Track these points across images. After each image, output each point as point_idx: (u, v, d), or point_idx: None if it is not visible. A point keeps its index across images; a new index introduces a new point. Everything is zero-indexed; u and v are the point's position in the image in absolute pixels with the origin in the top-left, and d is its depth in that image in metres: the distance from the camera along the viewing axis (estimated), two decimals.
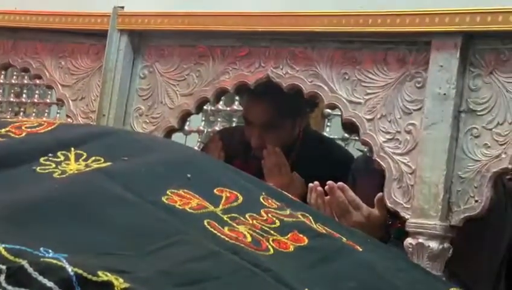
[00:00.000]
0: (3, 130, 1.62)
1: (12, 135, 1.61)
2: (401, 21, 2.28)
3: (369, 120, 2.33)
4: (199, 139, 4.26)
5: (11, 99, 5.41)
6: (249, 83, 2.58)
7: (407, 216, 2.22)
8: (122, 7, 2.80)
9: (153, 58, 2.77)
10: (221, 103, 4.18)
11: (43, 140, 1.59)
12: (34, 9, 3.01)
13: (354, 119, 2.37)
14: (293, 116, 2.92)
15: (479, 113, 2.19)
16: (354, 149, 3.49)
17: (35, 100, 5.28)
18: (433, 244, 2.17)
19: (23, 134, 1.62)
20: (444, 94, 2.20)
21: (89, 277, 1.09)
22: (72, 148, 1.54)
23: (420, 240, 2.17)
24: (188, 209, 1.40)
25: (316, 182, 2.46)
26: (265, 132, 2.88)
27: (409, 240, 2.19)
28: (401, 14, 2.28)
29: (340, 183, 2.45)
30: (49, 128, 1.66)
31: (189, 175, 1.50)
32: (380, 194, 2.32)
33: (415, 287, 1.41)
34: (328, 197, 2.44)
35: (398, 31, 2.30)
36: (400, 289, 1.36)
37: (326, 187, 2.43)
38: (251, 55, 2.58)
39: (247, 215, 1.44)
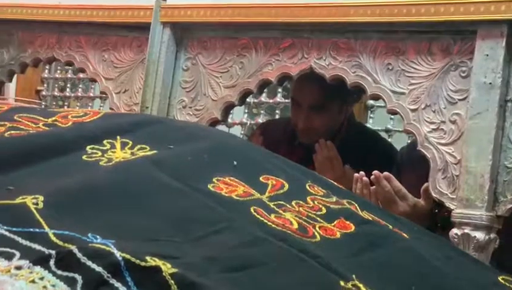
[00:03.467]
0: (50, 119, 1.64)
1: (59, 124, 1.62)
2: (446, 10, 2.26)
3: (413, 110, 2.31)
4: (242, 132, 4.27)
5: (55, 93, 5.49)
6: (292, 74, 2.58)
7: (452, 207, 2.19)
8: (165, 0, 2.81)
9: (196, 50, 2.78)
10: (263, 95, 4.19)
11: (89, 129, 1.60)
12: (77, 4, 3.03)
13: (397, 110, 2.35)
14: (340, 100, 2.91)
15: None
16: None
17: (79, 94, 5.34)
18: (479, 235, 2.14)
19: (70, 123, 1.63)
20: (490, 83, 2.17)
21: (137, 262, 1.10)
22: (118, 137, 1.55)
23: (466, 231, 2.15)
24: (235, 197, 1.40)
25: (362, 172, 2.45)
26: (313, 114, 2.88)
27: (454, 231, 2.16)
28: (445, 3, 2.26)
29: (386, 173, 2.44)
30: (95, 117, 1.68)
31: (235, 163, 1.50)
32: (426, 184, 2.31)
33: (464, 275, 1.40)
34: (373, 187, 2.43)
35: (442, 20, 2.27)
36: (449, 276, 1.35)
37: (372, 177, 2.42)
38: (294, 46, 2.57)
39: (293, 203, 1.44)
